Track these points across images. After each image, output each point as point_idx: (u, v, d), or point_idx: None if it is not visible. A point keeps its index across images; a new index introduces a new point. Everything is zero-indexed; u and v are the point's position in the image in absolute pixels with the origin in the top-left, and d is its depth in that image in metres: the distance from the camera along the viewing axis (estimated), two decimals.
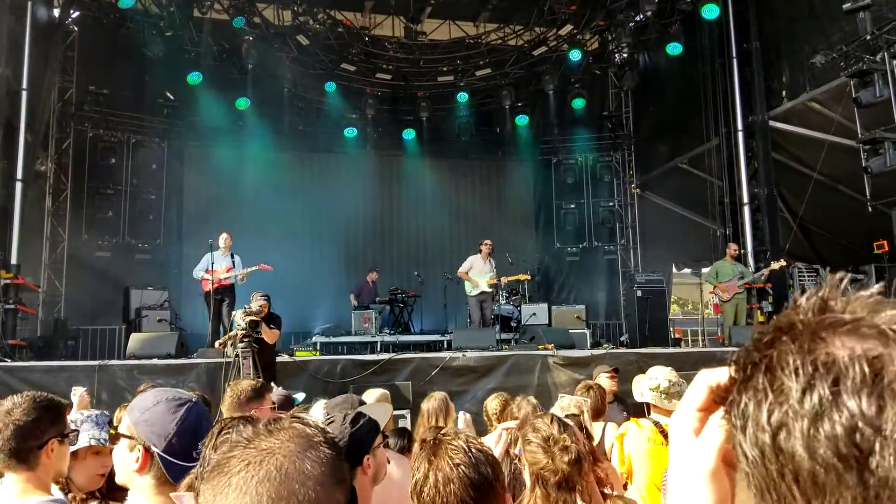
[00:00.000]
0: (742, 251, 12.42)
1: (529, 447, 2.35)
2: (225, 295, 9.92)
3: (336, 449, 0.93)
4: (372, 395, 5.25)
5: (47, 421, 2.22)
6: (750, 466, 0.58)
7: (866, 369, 0.53)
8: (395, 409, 6.43)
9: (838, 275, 0.61)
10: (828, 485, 0.53)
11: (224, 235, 10.11)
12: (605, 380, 6.02)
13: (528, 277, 12.29)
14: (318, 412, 4.59)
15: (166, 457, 1.78)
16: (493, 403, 4.67)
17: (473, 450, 1.77)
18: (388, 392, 5.50)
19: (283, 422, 0.94)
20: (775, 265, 10.89)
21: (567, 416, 3.62)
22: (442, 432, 1.87)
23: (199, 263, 10.06)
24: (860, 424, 0.52)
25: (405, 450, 3.91)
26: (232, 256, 10.08)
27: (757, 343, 0.60)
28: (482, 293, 11.37)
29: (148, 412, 1.87)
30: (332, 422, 2.31)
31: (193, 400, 1.93)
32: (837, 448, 0.52)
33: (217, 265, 9.85)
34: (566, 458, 2.28)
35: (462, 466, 1.71)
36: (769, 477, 0.56)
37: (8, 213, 10.64)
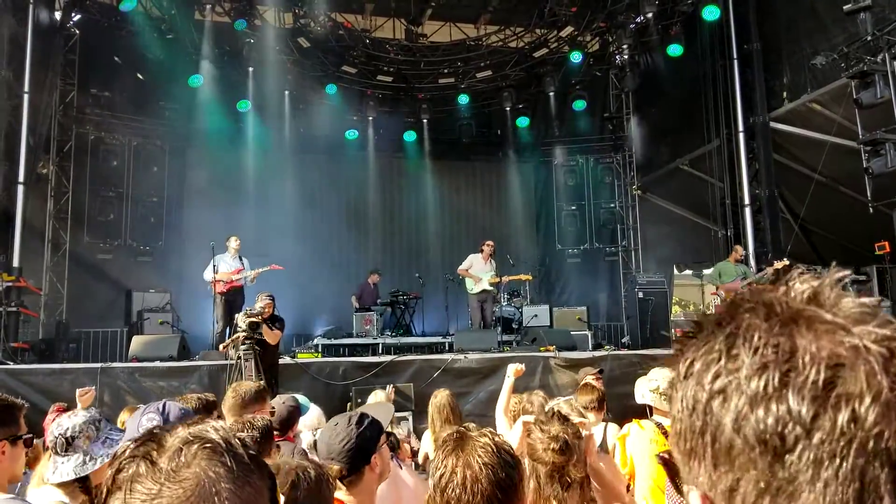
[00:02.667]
0: (744, 252, 12.41)
1: (530, 438, 2.27)
2: (236, 297, 10.04)
3: (246, 450, 0.88)
4: (377, 396, 5.27)
5: None
6: (676, 413, 0.60)
7: (822, 375, 0.54)
8: (396, 410, 6.46)
9: (840, 272, 0.61)
10: (738, 459, 0.55)
11: (233, 238, 10.32)
12: (591, 380, 6.04)
13: (530, 277, 12.28)
14: (311, 416, 4.61)
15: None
16: (511, 403, 4.67)
17: (502, 449, 1.74)
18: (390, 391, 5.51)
19: (185, 455, 0.84)
20: (778, 264, 10.84)
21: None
22: (465, 429, 1.83)
23: (208, 266, 10.21)
24: (791, 424, 0.53)
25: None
26: (241, 259, 10.31)
27: (732, 305, 0.61)
28: (483, 292, 11.35)
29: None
30: (338, 424, 2.31)
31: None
32: (761, 434, 0.54)
33: (224, 268, 10.05)
34: (553, 447, 2.16)
35: (491, 466, 1.67)
36: (691, 429, 0.58)
37: (10, 215, 10.64)
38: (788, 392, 0.54)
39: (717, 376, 0.57)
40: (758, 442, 0.54)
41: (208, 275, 10.05)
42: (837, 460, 0.52)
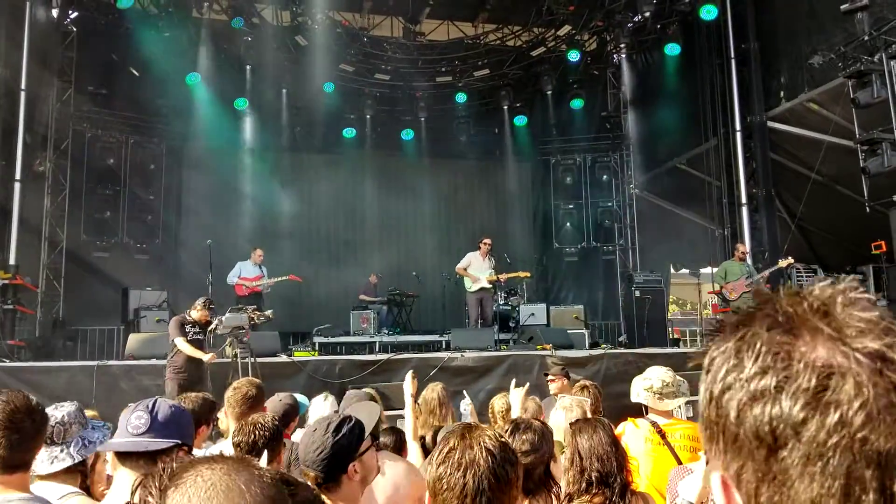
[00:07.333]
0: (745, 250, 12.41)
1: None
2: (256, 301, 10.69)
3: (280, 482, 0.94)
4: (356, 397, 5.24)
5: None
6: (701, 401, 0.69)
7: (814, 382, 0.60)
8: (393, 408, 6.46)
9: (853, 282, 0.67)
10: (742, 450, 0.63)
11: (258, 250, 11.37)
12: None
13: (528, 274, 12.27)
14: (321, 407, 4.58)
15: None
16: (499, 403, 4.66)
17: (506, 445, 1.74)
18: (372, 392, 5.48)
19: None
20: (783, 262, 10.84)
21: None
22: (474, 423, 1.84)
23: (232, 270, 11.21)
24: (783, 424, 0.60)
25: (400, 450, 3.90)
26: (261, 267, 11.28)
27: (747, 311, 0.68)
28: (481, 290, 11.35)
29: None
30: (315, 430, 2.28)
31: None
32: (758, 429, 0.61)
33: (246, 273, 11.14)
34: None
35: (492, 454, 1.66)
36: (709, 418, 0.66)
37: (7, 213, 10.64)
38: (782, 396, 0.61)
39: (727, 373, 0.65)
40: (755, 437, 0.61)
41: (231, 278, 11.03)
42: (825, 458, 0.58)
